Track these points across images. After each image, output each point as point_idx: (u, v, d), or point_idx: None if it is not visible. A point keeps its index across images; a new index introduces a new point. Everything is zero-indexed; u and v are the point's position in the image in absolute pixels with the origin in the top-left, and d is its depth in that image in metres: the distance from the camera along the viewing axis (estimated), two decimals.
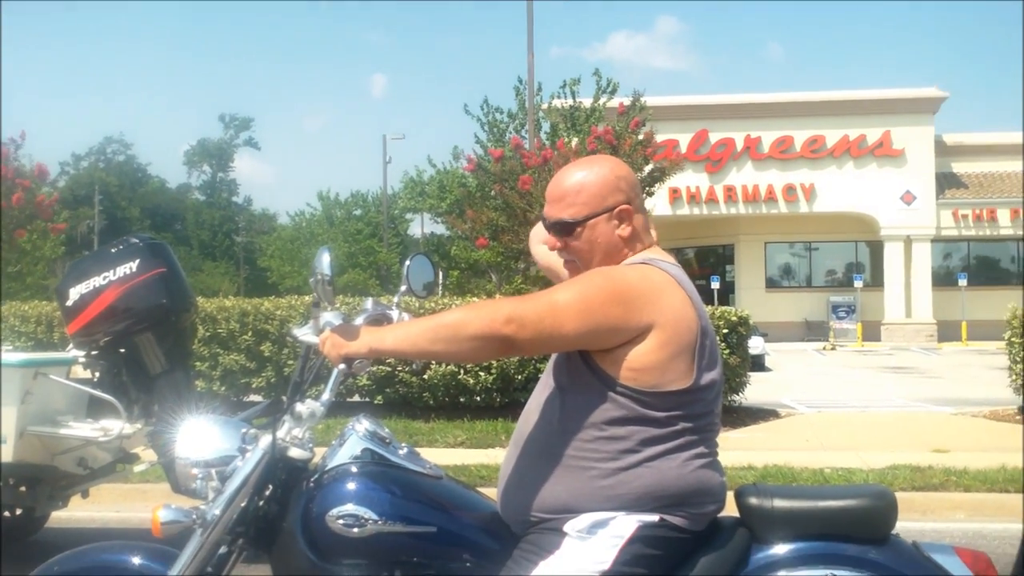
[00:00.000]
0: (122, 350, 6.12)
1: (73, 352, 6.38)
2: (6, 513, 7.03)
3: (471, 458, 9.65)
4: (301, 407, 2.78)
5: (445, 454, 10.06)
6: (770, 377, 22.72)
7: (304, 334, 2.89)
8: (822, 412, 15.08)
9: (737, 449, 10.59)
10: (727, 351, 12.48)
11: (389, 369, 12.25)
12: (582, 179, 2.73)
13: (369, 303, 3.17)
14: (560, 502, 2.58)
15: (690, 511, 2.59)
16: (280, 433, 2.80)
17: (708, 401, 2.64)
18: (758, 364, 22.46)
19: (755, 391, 14.37)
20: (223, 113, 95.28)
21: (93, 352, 6.22)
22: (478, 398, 12.43)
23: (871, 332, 39.63)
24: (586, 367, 2.60)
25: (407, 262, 3.21)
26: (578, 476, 2.58)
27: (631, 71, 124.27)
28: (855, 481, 8.45)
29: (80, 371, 6.52)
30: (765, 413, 14.15)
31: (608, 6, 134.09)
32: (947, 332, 38.98)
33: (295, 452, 2.80)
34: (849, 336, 40.04)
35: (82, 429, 6.16)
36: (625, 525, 2.54)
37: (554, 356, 2.74)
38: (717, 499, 2.66)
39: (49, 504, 6.74)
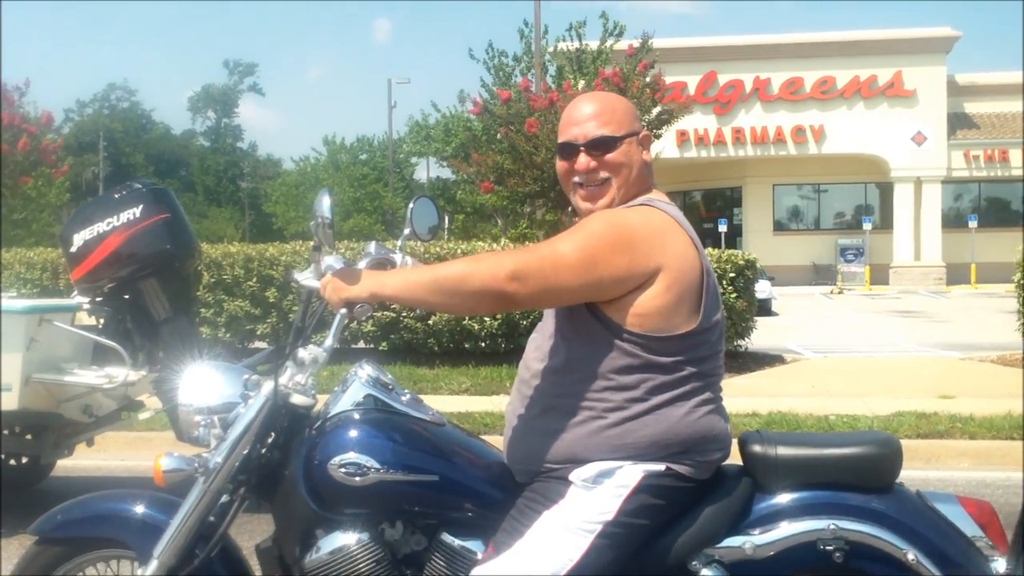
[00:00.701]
0: (126, 296, 6.12)
1: (77, 299, 6.36)
2: (11, 461, 7.06)
3: (476, 405, 9.65)
4: (303, 353, 2.76)
5: (450, 401, 10.08)
6: (777, 322, 22.72)
7: (306, 278, 2.86)
8: (828, 357, 15.06)
9: (742, 395, 10.59)
10: (734, 295, 12.46)
11: (394, 315, 12.24)
12: (610, 101, 2.79)
13: (372, 246, 3.13)
14: (567, 452, 2.57)
15: (696, 459, 2.58)
16: (282, 379, 2.77)
17: (712, 343, 2.63)
18: (765, 308, 22.42)
19: (761, 336, 14.35)
20: (227, 59, 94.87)
21: (97, 299, 6.21)
22: (483, 344, 12.42)
23: (879, 275, 39.56)
24: (591, 316, 2.57)
25: (411, 205, 3.17)
26: (585, 426, 2.56)
27: (637, 14, 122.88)
28: (860, 428, 8.44)
29: (85, 318, 6.51)
30: (771, 358, 14.13)
31: None
32: (956, 275, 38.90)
33: (297, 399, 2.79)
34: (857, 280, 39.95)
35: (87, 376, 6.15)
36: (631, 474, 2.53)
37: None
38: (723, 446, 2.65)
39: (54, 452, 6.75)
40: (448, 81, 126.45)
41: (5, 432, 6.49)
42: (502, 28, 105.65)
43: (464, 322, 12.21)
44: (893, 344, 17.71)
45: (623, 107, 2.77)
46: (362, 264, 3.02)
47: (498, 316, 12.05)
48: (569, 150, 2.73)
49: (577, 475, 2.55)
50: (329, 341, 2.74)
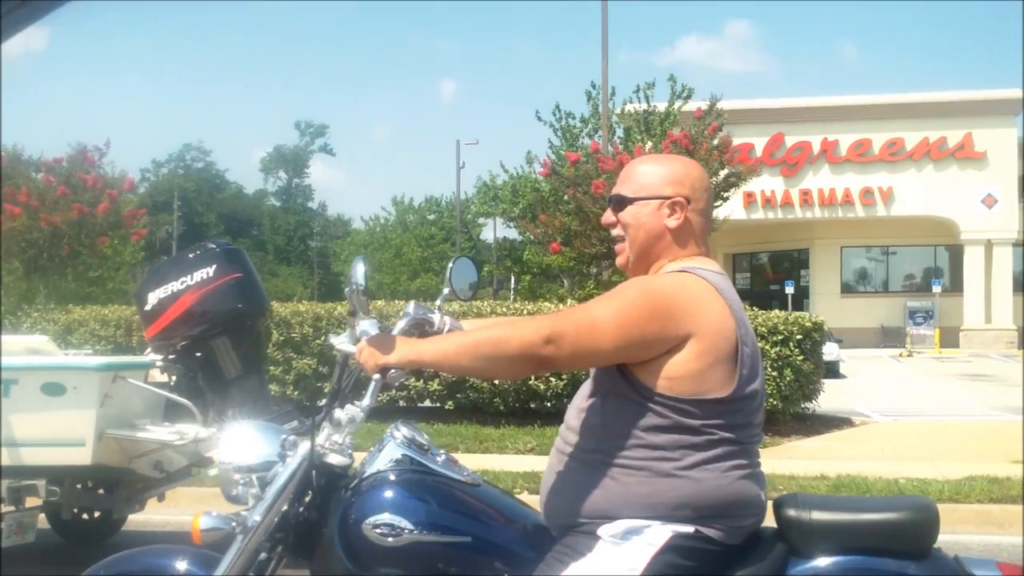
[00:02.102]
0: (198, 354, 6.23)
1: (151, 356, 6.50)
2: (84, 516, 7.18)
3: (541, 464, 9.57)
4: (340, 413, 2.79)
5: (515, 460, 10.08)
6: (845, 384, 22.42)
7: (341, 343, 2.92)
8: (898, 421, 14.84)
9: (809, 458, 10.49)
10: (800, 357, 12.36)
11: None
12: (651, 166, 2.86)
13: (411, 306, 3.14)
14: (598, 508, 2.59)
15: (727, 523, 2.57)
16: (319, 439, 2.80)
17: (749, 412, 2.63)
18: (832, 371, 22.18)
19: (829, 398, 14.19)
20: (299, 120, 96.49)
21: (170, 356, 6.34)
22: (548, 404, 12.42)
23: (949, 338, 38.90)
24: (621, 377, 2.60)
25: (450, 264, 3.21)
26: (617, 483, 2.58)
27: (702, 74, 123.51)
28: (931, 492, 8.30)
29: (157, 375, 6.63)
30: (839, 421, 13.96)
31: (677, 7, 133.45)
32: None
33: (334, 458, 2.80)
34: (927, 342, 39.34)
35: (159, 433, 6.24)
36: (659, 534, 2.53)
37: None
38: (756, 512, 2.63)
39: (126, 507, 6.83)
40: (515, 142, 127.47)
41: (78, 487, 6.62)
42: (568, 89, 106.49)
43: (530, 382, 12.23)
44: (964, 408, 17.39)
45: (662, 172, 2.81)
46: (401, 323, 3.05)
47: (563, 376, 12.06)
48: (607, 200, 2.91)
49: (605, 530, 2.56)
50: (367, 401, 2.76)
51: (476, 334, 2.65)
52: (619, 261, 2.86)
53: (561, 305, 13.60)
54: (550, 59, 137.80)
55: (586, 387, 2.78)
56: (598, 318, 2.53)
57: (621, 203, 2.81)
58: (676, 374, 2.53)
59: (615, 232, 2.84)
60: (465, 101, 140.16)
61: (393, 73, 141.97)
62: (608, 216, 2.86)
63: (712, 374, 2.54)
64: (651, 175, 2.81)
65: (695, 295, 2.59)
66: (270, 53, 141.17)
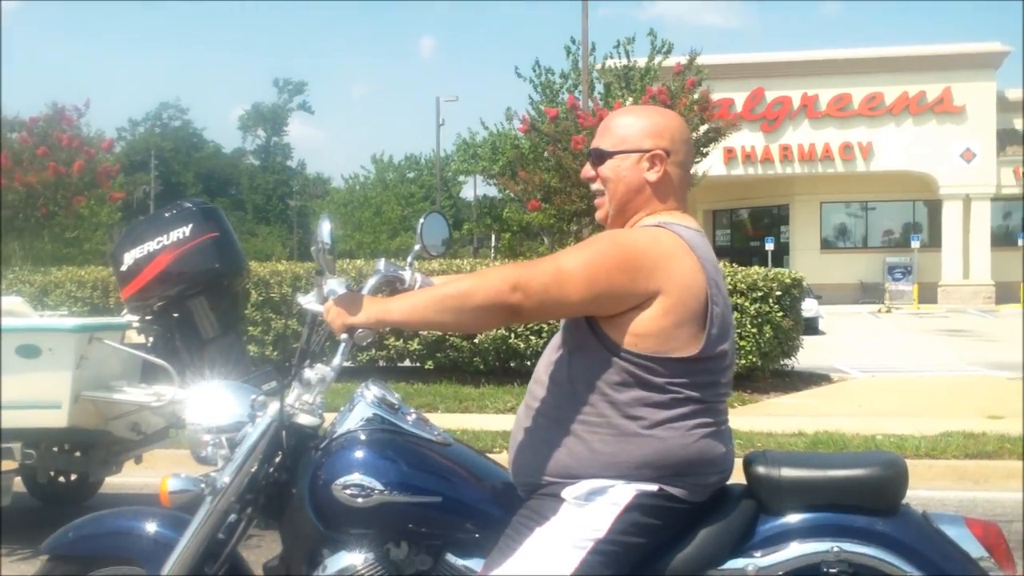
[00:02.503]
0: (175, 315, 6.18)
1: (127, 317, 6.44)
2: (60, 479, 7.15)
3: None
4: (310, 373, 2.78)
5: (495, 419, 10.08)
6: (824, 341, 22.53)
7: (309, 302, 2.88)
8: (875, 377, 14.93)
9: (788, 414, 10.55)
10: (780, 313, 12.39)
11: (440, 334, 12.28)
12: (630, 119, 2.81)
13: (381, 263, 3.15)
14: (562, 467, 2.58)
15: (691, 481, 2.57)
16: (289, 399, 2.79)
17: (716, 371, 2.61)
18: (812, 327, 22.26)
19: (808, 355, 14.25)
20: (277, 77, 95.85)
21: (147, 317, 6.28)
22: (528, 362, 12.43)
23: (928, 294, 39.16)
24: (590, 331, 2.58)
25: (421, 220, 3.21)
26: (581, 442, 2.57)
27: (682, 29, 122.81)
28: (907, 448, 8.36)
29: (134, 336, 6.59)
30: (817, 378, 14.04)
31: None
32: (1006, 293, 38.42)
33: (304, 419, 2.79)
34: (905, 298, 39.58)
35: (136, 394, 6.20)
36: (623, 493, 2.53)
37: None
38: (719, 470, 2.63)
39: (103, 469, 6.80)
40: (495, 99, 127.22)
41: (54, 449, 6.59)
42: (548, 45, 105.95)
43: (510, 340, 12.24)
44: (941, 363, 17.52)
45: (641, 125, 2.77)
46: (372, 281, 3.04)
47: (543, 334, 12.06)
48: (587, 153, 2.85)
49: (569, 492, 2.55)
50: (336, 361, 2.75)
51: (443, 287, 2.64)
52: (599, 215, 2.81)
53: None
54: (529, 15, 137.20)
55: (556, 340, 2.76)
56: (566, 268, 2.51)
57: (600, 157, 2.77)
58: (642, 331, 2.51)
59: (595, 187, 2.80)
60: (445, 58, 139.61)
61: (372, 30, 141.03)
62: (587, 170, 2.81)
63: (679, 332, 2.52)
64: (630, 128, 2.76)
65: (666, 251, 2.56)
66: (248, 9, 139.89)
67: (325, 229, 2.67)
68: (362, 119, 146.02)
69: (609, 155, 2.75)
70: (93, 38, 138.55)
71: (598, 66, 27.32)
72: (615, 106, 19.15)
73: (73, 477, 7.17)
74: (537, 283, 2.48)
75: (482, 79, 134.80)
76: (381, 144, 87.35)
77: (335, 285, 2.82)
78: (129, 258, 6.09)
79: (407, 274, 3.14)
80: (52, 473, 6.88)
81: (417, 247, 3.20)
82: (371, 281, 3.05)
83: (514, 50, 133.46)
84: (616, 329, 2.54)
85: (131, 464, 7.04)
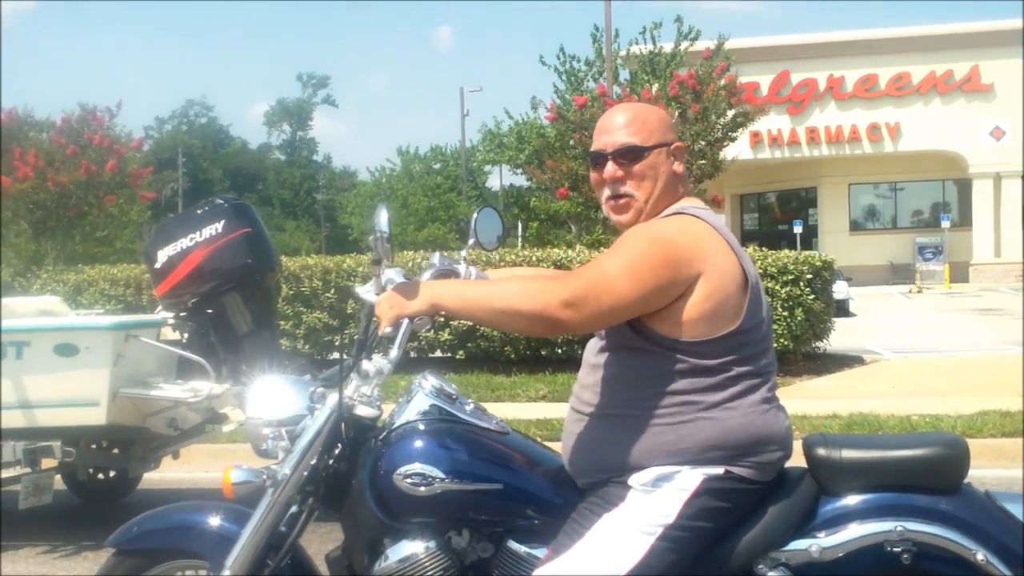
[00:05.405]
0: (209, 311, 6.24)
1: (162, 314, 6.50)
2: (99, 475, 7.22)
3: (553, 412, 9.65)
4: (367, 365, 2.78)
5: (527, 408, 10.11)
6: (855, 322, 22.39)
7: (366, 292, 2.90)
8: (908, 357, 14.84)
9: (821, 397, 10.51)
10: (811, 296, 12.35)
11: (470, 324, 12.29)
12: (642, 111, 2.79)
13: (436, 257, 3.18)
14: (625, 461, 2.59)
15: (755, 460, 2.58)
16: (347, 391, 2.81)
17: (758, 341, 2.62)
18: (842, 309, 22.09)
19: (839, 337, 14.19)
20: (300, 72, 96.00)
21: (181, 313, 6.34)
22: (560, 351, 12.44)
23: (959, 273, 38.80)
24: (631, 330, 2.60)
25: (475, 215, 3.21)
26: (640, 435, 2.58)
27: (699, 13, 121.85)
28: (943, 428, 8.32)
29: (169, 332, 6.65)
30: (850, 359, 13.97)
31: None
32: None
33: (362, 410, 2.81)
34: (936, 278, 39.21)
35: (172, 390, 6.26)
36: (690, 478, 2.54)
37: None
38: (782, 446, 2.64)
39: (141, 465, 6.88)
40: (517, 88, 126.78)
41: (93, 447, 6.66)
42: (567, 33, 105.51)
43: None
44: (974, 343, 17.37)
45: (656, 117, 2.77)
46: (426, 275, 3.06)
47: None
48: (599, 159, 2.75)
49: (636, 479, 2.56)
50: (394, 353, 2.75)
51: (495, 287, 2.65)
52: (626, 218, 2.74)
53: (570, 252, 13.53)
54: (547, 4, 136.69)
55: (594, 343, 2.77)
56: (612, 276, 2.50)
57: (635, 153, 2.70)
58: (688, 318, 2.53)
59: (625, 188, 2.73)
60: (464, 48, 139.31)
61: (388, 21, 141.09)
62: (614, 171, 2.72)
63: (722, 311, 2.54)
64: (652, 119, 2.76)
65: (698, 235, 2.58)
66: (268, 4, 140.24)
67: (383, 218, 2.69)
68: (386, 112, 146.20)
69: (646, 151, 2.71)
70: (117, 37, 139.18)
71: (622, 53, 27.25)
72: (643, 93, 19.10)
73: (111, 474, 7.25)
74: (587, 296, 2.49)
75: (503, 68, 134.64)
76: (406, 136, 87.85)
77: (393, 274, 2.84)
78: (163, 255, 6.15)
79: (461, 268, 3.16)
80: (91, 470, 6.96)
81: (471, 241, 3.20)
82: (425, 275, 3.07)
83: (535, 40, 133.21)
84: (661, 322, 2.55)
85: (168, 460, 7.12)
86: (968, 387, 11.15)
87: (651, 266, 2.50)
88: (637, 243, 2.58)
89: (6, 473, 6.22)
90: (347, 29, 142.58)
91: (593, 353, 2.76)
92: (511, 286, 2.60)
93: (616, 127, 2.75)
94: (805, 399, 10.34)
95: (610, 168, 2.73)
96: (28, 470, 6.14)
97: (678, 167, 2.75)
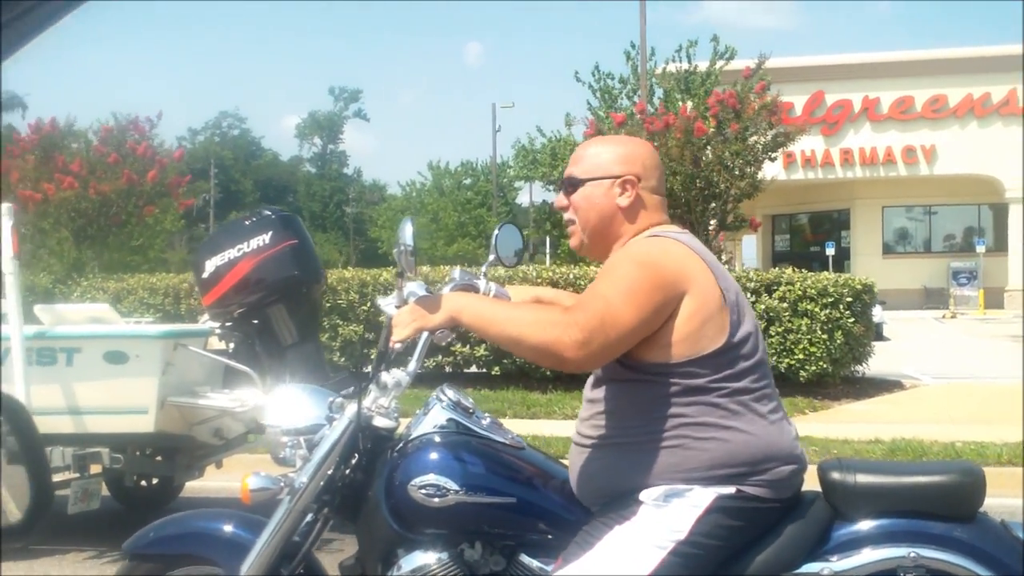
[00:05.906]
0: (255, 321, 6.25)
1: (208, 323, 6.53)
2: (142, 483, 7.25)
3: None
4: (386, 376, 2.81)
5: (563, 425, 10.05)
6: (889, 347, 22.19)
7: (387, 304, 2.94)
8: (949, 383, 14.71)
9: (861, 421, 10.44)
10: (851, 320, 12.25)
11: None
12: (601, 148, 2.88)
13: (456, 272, 3.23)
14: (634, 482, 2.61)
15: (766, 478, 2.58)
16: (366, 402, 2.84)
17: (750, 355, 2.63)
18: (876, 333, 21.91)
19: (876, 361, 14.09)
20: (332, 86, 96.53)
21: (227, 323, 6.36)
22: None
23: (994, 299, 38.50)
24: (618, 364, 2.63)
25: (495, 232, 3.25)
26: (645, 457, 2.59)
27: (729, 31, 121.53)
28: (989, 456, 8.23)
29: (215, 342, 6.67)
30: (889, 384, 13.87)
31: None
32: None
33: (380, 421, 2.84)
34: (970, 303, 38.93)
35: (219, 399, 6.28)
36: (702, 496, 2.55)
37: None
38: (789, 460, 2.63)
39: (186, 474, 6.91)
40: (547, 105, 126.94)
41: (138, 454, 6.69)
42: (598, 50, 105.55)
43: None
44: (1013, 370, 17.19)
45: (611, 153, 2.83)
46: (446, 290, 3.08)
47: None
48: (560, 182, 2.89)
49: (648, 495, 2.58)
50: (412, 365, 2.79)
51: (515, 311, 2.70)
52: (572, 243, 2.88)
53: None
54: (577, 21, 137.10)
55: (591, 379, 2.81)
56: (615, 305, 2.52)
57: (573, 185, 2.82)
58: (674, 339, 2.56)
59: (567, 216, 2.84)
60: (494, 64, 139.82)
61: (420, 36, 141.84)
62: (560, 200, 2.87)
63: (705, 330, 2.57)
64: (601, 156, 2.83)
65: (678, 256, 2.63)
66: (300, 18, 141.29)
67: (407, 231, 2.73)
68: (417, 126, 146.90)
69: (581, 183, 2.81)
70: (151, 48, 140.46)
71: (657, 71, 27.25)
72: (681, 111, 19.05)
73: (155, 481, 7.27)
74: (598, 332, 2.49)
75: (533, 86, 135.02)
76: (436, 151, 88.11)
77: (415, 288, 2.91)
78: (210, 265, 6.17)
79: (481, 283, 3.21)
80: (136, 477, 6.98)
81: (492, 257, 3.23)
82: (445, 289, 3.10)
83: (564, 57, 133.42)
84: (648, 350, 2.59)
85: (211, 468, 7.13)
86: (1010, 414, 11.01)
87: (645, 290, 2.54)
88: (625, 269, 2.61)
89: (56, 478, 6.26)
90: (379, 44, 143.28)
91: (589, 388, 2.81)
92: (527, 315, 2.62)
93: (573, 159, 2.88)
94: (845, 423, 10.27)
95: (558, 196, 2.89)
96: (77, 475, 6.19)
97: (624, 200, 2.78)
